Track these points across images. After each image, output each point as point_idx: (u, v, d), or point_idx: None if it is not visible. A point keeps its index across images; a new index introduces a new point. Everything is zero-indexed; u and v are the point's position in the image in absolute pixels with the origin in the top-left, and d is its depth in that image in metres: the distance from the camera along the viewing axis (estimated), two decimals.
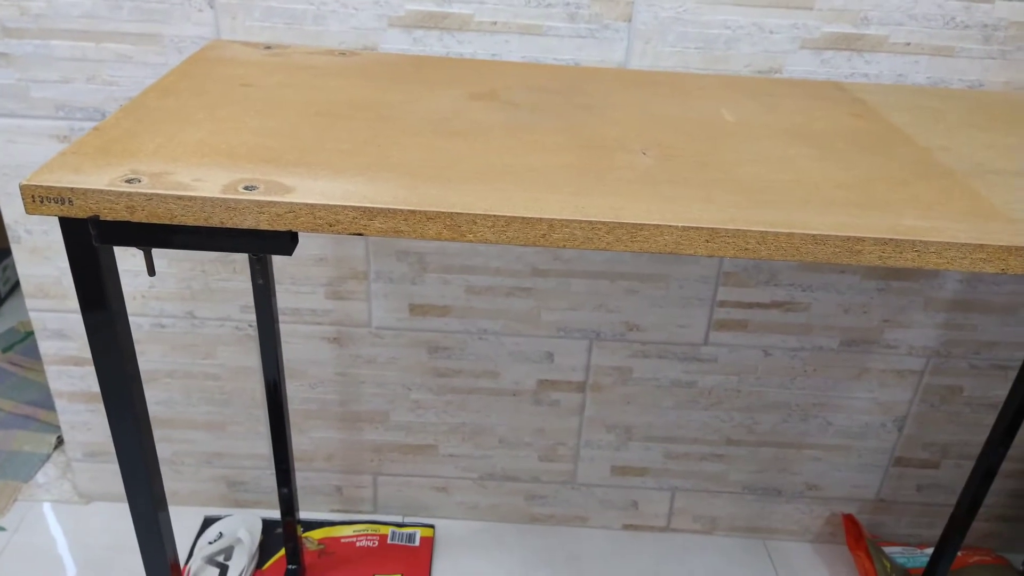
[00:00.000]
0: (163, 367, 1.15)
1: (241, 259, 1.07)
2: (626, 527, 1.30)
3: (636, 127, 0.70)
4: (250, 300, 1.10)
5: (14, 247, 1.06)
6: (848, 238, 0.54)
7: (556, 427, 1.20)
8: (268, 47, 0.86)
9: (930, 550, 1.24)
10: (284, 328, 1.12)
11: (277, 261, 1.07)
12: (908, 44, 0.93)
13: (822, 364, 1.14)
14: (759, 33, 0.93)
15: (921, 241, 0.54)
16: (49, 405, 1.42)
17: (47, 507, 1.25)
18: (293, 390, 1.18)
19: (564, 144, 0.65)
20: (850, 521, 1.25)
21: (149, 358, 1.14)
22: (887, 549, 1.24)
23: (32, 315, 1.11)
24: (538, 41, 0.94)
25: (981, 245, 0.54)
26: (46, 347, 1.14)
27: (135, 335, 1.13)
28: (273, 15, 0.92)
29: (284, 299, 1.10)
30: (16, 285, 1.78)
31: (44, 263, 1.07)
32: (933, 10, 0.92)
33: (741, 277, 1.08)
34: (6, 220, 1.04)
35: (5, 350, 1.56)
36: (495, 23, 0.93)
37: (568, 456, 1.23)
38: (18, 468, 1.30)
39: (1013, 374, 1.14)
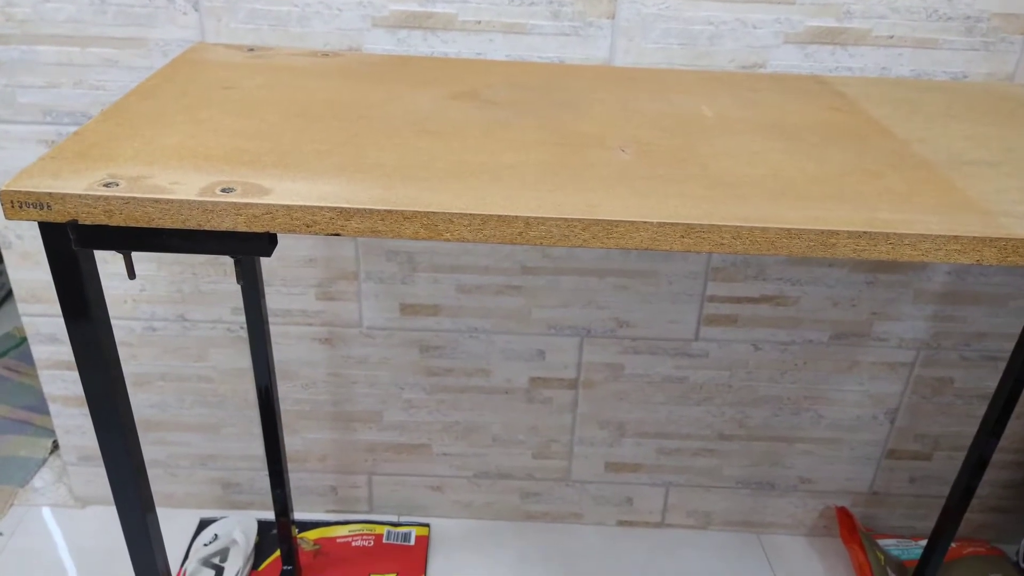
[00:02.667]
0: (155, 370, 1.16)
1: (231, 261, 1.08)
2: (620, 523, 1.30)
3: (615, 124, 0.71)
4: (240, 302, 1.11)
5: (4, 252, 1.06)
6: (822, 231, 0.54)
7: (549, 424, 1.21)
8: (251, 49, 0.87)
9: (924, 542, 1.24)
10: (275, 329, 1.13)
11: (267, 263, 1.08)
12: (891, 37, 0.94)
13: (812, 357, 1.14)
14: (742, 28, 0.93)
15: (895, 233, 0.54)
16: (44, 410, 1.43)
17: (43, 511, 1.25)
18: (285, 391, 1.18)
19: (542, 141, 0.66)
20: (844, 514, 1.25)
21: (141, 361, 1.15)
22: (881, 541, 1.24)
23: (24, 320, 1.11)
24: (522, 39, 0.94)
25: (955, 236, 0.54)
26: (39, 352, 1.14)
27: (127, 339, 1.13)
28: (258, 17, 0.93)
29: (274, 300, 1.10)
30: (11, 291, 1.79)
31: (35, 268, 1.08)
32: (916, 3, 0.92)
33: (730, 272, 1.08)
34: None
35: (0, 356, 1.57)
36: (479, 22, 0.93)
37: (562, 453, 1.24)
38: (13, 473, 1.30)
39: (1003, 365, 1.14)
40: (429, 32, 0.93)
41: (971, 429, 1.20)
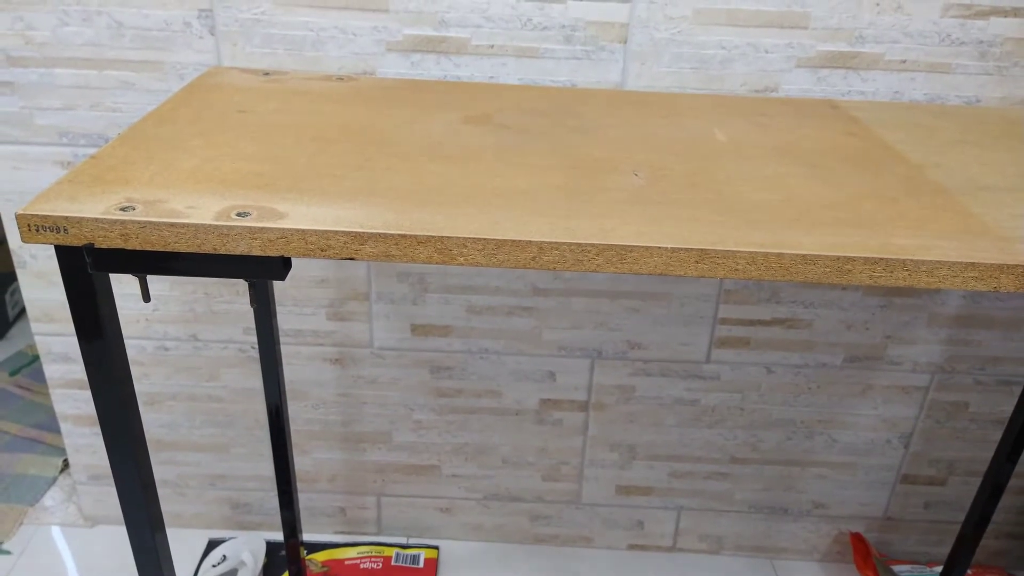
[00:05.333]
0: (167, 390, 1.16)
1: (244, 282, 1.08)
2: (631, 547, 1.29)
3: (628, 148, 0.71)
4: (252, 322, 1.11)
5: (19, 272, 1.07)
6: (838, 258, 0.54)
7: (559, 446, 1.20)
8: (266, 73, 0.87)
9: (939, 568, 1.22)
10: (286, 349, 1.13)
11: (279, 283, 1.08)
12: (904, 61, 0.94)
13: (826, 381, 1.13)
14: (754, 52, 0.93)
15: (912, 260, 0.54)
16: (55, 428, 1.43)
17: (53, 530, 1.25)
18: (296, 411, 1.18)
19: (555, 166, 0.66)
20: (858, 539, 1.24)
21: (153, 381, 1.15)
22: (896, 567, 1.22)
23: (37, 339, 1.12)
24: (535, 63, 0.95)
25: (972, 263, 0.54)
26: (51, 371, 1.15)
27: (139, 358, 1.13)
28: (273, 41, 0.93)
29: (286, 320, 1.10)
30: (24, 309, 1.80)
31: (49, 287, 1.08)
32: (928, 27, 0.92)
33: (742, 294, 1.08)
34: (11, 245, 1.06)
35: (12, 373, 1.58)
36: (492, 46, 0.94)
37: (572, 476, 1.23)
38: (24, 491, 1.30)
39: (1018, 390, 1.13)
40: (442, 56, 0.94)
41: (986, 454, 1.19)
